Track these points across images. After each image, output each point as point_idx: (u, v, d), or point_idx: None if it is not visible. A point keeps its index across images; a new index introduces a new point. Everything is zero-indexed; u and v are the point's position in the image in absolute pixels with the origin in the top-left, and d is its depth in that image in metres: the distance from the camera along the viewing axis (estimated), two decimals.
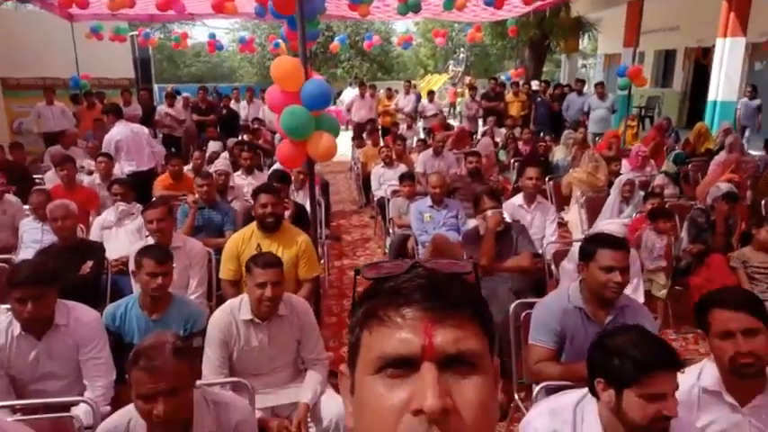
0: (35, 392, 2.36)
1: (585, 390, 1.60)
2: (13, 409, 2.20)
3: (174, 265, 2.74)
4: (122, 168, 5.81)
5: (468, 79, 18.06)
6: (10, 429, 1.62)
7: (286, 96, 3.03)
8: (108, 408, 2.27)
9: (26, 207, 4.55)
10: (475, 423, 0.54)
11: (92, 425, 2.05)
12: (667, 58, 15.82)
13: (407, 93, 11.01)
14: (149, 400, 1.53)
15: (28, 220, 4.27)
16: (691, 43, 13.98)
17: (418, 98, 11.18)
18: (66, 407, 2.15)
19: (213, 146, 7.62)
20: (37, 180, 6.31)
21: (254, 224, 3.32)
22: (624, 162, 6.45)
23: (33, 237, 4.11)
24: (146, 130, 6.42)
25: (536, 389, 2.23)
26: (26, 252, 3.96)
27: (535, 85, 11.76)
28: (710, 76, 10.95)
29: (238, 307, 2.46)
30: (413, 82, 12.80)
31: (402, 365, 0.55)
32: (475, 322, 0.58)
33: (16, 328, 2.29)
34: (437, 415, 0.52)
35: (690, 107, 14.44)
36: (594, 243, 2.30)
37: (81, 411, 2.09)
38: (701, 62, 13.67)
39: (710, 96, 10.93)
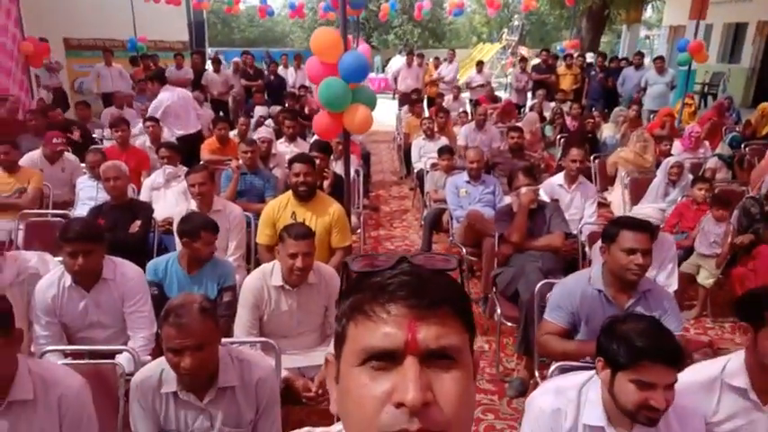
0: (83, 340, 2.58)
1: (593, 372, 1.63)
2: (64, 354, 2.41)
3: None
4: (172, 132, 6.02)
5: (521, 49, 17.53)
6: (56, 370, 1.79)
7: (324, 68, 3.07)
8: (149, 357, 2.45)
9: (83, 165, 4.82)
10: (454, 415, 0.58)
11: (133, 372, 2.22)
12: (737, 31, 14.83)
13: (450, 62, 10.77)
14: (177, 354, 1.67)
15: (84, 177, 4.53)
16: (764, 16, 13.04)
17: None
18: (111, 355, 2.34)
19: (259, 111, 7.76)
20: (96, 140, 6.65)
21: (290, 192, 3.42)
22: (677, 142, 6.19)
23: (89, 194, 4.37)
24: (190, 94, 6.59)
25: (552, 368, 2.26)
26: (82, 208, 4.22)
27: (590, 57, 11.28)
28: None
29: (270, 273, 2.58)
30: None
31: (386, 359, 0.58)
32: (457, 318, 0.61)
33: (67, 279, 2.49)
34: (418, 408, 0.55)
35: (757, 85, 13.58)
36: (617, 225, 2.30)
37: (124, 359, 2.27)
38: None
39: None
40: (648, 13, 20.54)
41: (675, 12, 16.01)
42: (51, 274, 2.56)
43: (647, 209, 3.20)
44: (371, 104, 3.23)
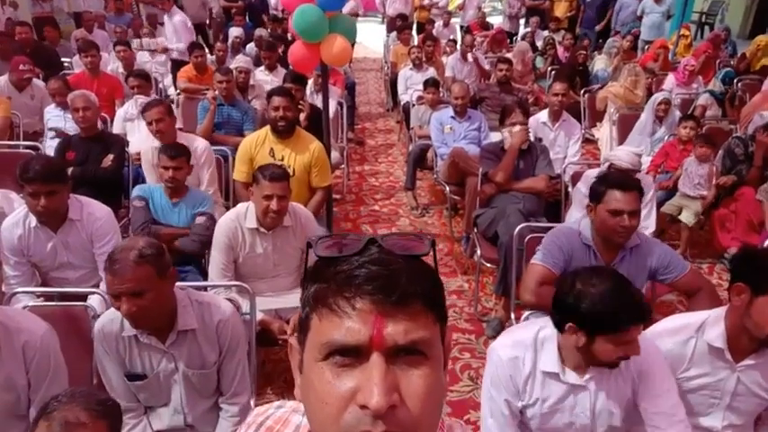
0: (56, 280, 2.54)
1: (546, 320, 1.64)
2: (36, 295, 2.37)
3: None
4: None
5: None
6: (19, 317, 1.75)
7: None
8: None
9: None
10: (421, 413, 0.55)
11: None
12: None
13: None
14: (116, 299, 1.66)
15: (51, 107, 4.33)
16: None
17: None
18: (83, 296, 2.31)
19: (234, 32, 7.31)
20: (65, 64, 6.31)
21: (267, 127, 3.29)
22: (670, 76, 6.04)
23: (56, 124, 4.19)
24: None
25: (525, 313, 2.28)
26: (52, 141, 4.06)
27: None
28: None
29: (244, 215, 2.51)
30: None
31: (350, 354, 0.55)
32: (427, 311, 0.58)
33: (33, 220, 2.41)
34: (383, 412, 0.53)
35: (757, 15, 13.15)
36: (604, 183, 2.21)
37: (95, 301, 2.25)
38: None
39: None
40: None
41: None
42: (16, 214, 2.47)
43: (621, 152, 3.11)
44: (351, 35, 3.05)
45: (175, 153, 2.88)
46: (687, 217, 3.97)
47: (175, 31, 6.62)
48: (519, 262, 2.76)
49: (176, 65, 6.27)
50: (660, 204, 3.96)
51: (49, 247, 2.45)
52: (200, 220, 2.87)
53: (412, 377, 0.56)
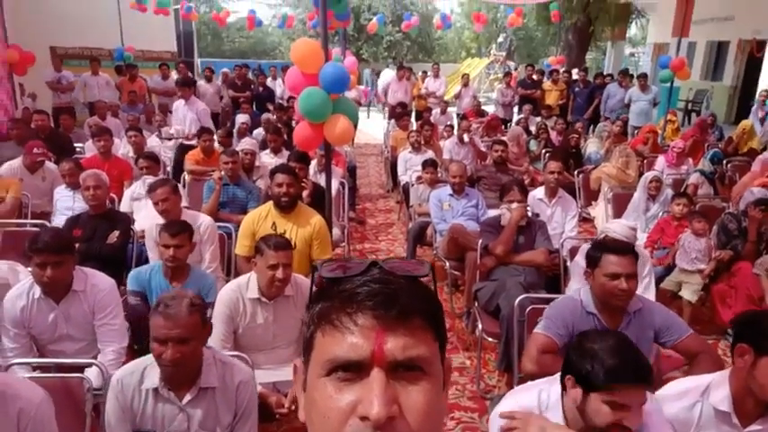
0: (53, 352, 2.52)
1: (546, 380, 1.63)
2: (32, 367, 2.35)
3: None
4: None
5: (508, 64, 17.70)
6: (16, 384, 1.73)
7: (305, 78, 3.06)
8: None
9: None
10: (420, 427, 0.57)
11: (101, 387, 2.17)
12: (719, 49, 15.12)
13: (436, 76, 10.78)
14: (162, 344, 1.71)
15: (61, 187, 4.46)
16: (746, 35, 13.31)
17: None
18: (80, 368, 2.28)
19: (241, 118, 7.67)
20: (78, 149, 6.57)
21: (270, 203, 3.39)
22: (660, 158, 6.26)
23: (65, 204, 4.30)
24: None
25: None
26: (59, 219, 4.15)
27: (575, 73, 11.42)
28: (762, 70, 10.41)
29: (246, 285, 2.54)
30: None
31: (352, 370, 0.57)
32: (426, 328, 0.60)
33: (37, 291, 2.44)
34: (382, 423, 0.54)
35: (740, 103, 13.81)
36: (599, 249, 2.27)
37: (92, 374, 2.22)
38: (755, 55, 13.00)
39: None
40: (633, 31, 20.87)
41: (659, 30, 16.29)
42: (21, 285, 2.51)
43: (616, 225, 3.18)
44: (352, 116, 3.22)
45: (176, 230, 2.79)
46: (688, 294, 3.98)
47: (198, 119, 6.77)
48: (521, 334, 2.74)
49: (182, 149, 6.45)
50: (659, 280, 3.99)
51: (50, 319, 2.46)
52: (211, 313, 2.60)
53: (411, 392, 0.57)
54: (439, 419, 0.61)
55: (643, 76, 9.38)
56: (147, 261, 3.61)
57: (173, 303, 1.76)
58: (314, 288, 0.67)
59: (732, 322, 1.78)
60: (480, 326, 3.27)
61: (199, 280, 2.84)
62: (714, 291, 4.02)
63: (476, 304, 3.48)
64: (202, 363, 1.84)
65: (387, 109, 11.01)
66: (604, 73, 12.31)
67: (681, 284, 4.03)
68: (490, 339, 3.28)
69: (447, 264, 4.17)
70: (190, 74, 10.38)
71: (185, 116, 6.83)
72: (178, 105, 6.94)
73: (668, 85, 8.31)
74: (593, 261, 2.26)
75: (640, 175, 5.60)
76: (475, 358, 3.58)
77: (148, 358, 1.85)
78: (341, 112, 3.13)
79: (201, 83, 9.74)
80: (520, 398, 1.68)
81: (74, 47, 11.25)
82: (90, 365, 2.29)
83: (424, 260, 0.68)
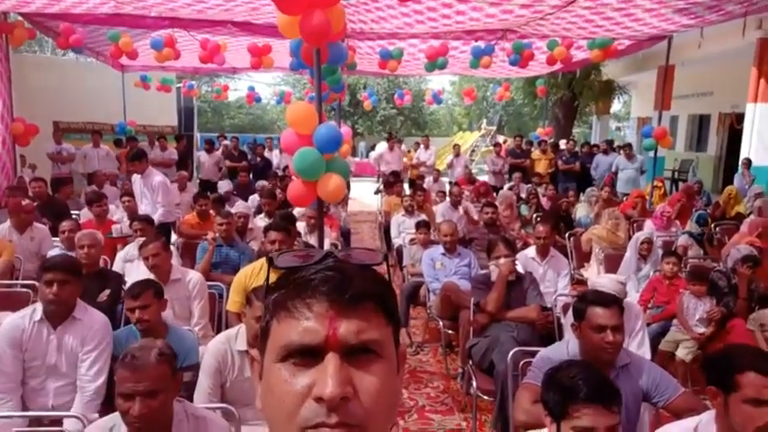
0: (34, 390, 2.50)
1: None
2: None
3: (169, 297, 2.86)
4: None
5: (498, 138, 18.31)
6: None
7: (299, 139, 3.18)
8: (96, 415, 2.36)
9: (55, 239, 4.79)
10: (373, 407, 0.58)
11: None
12: (701, 122, 15.73)
13: (426, 147, 11.43)
14: (128, 399, 1.60)
15: (55, 250, 4.48)
16: (725, 109, 13.90)
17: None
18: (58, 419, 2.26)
19: (223, 185, 8.04)
20: (74, 217, 6.63)
21: (263, 260, 3.41)
22: (648, 222, 6.36)
23: None
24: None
25: None
26: None
27: (562, 144, 11.84)
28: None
29: (235, 337, 2.51)
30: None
31: (307, 355, 0.58)
32: (379, 313, 0.62)
33: (38, 314, 2.48)
34: (336, 402, 0.55)
35: (725, 171, 14.19)
36: (584, 301, 2.27)
37: (70, 425, 2.18)
38: (736, 127, 13.53)
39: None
40: (618, 106, 21.79)
41: (641, 105, 17.02)
42: (23, 310, 2.60)
43: (605, 279, 3.20)
44: (344, 174, 3.32)
45: (138, 291, 2.56)
46: (683, 353, 3.94)
47: (154, 191, 5.69)
48: (515, 390, 2.69)
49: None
50: (655, 338, 3.95)
51: (44, 344, 2.49)
52: (186, 377, 2.44)
53: (365, 374, 0.59)
54: (393, 401, 0.62)
55: (628, 146, 9.72)
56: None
57: (140, 354, 1.65)
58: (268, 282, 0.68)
59: (700, 368, 1.78)
60: (475, 383, 3.21)
61: (178, 341, 2.55)
62: (710, 350, 3.97)
63: (470, 362, 3.43)
64: (173, 418, 1.71)
65: (380, 177, 11.34)
66: (588, 142, 12.75)
67: (677, 344, 3.99)
68: (485, 398, 3.20)
69: (441, 323, 4.14)
70: (173, 146, 10.72)
71: (142, 191, 5.89)
72: (135, 179, 5.93)
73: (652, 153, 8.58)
74: (578, 314, 2.26)
75: (630, 237, 5.67)
76: (471, 419, 3.48)
77: (116, 416, 1.72)
78: (334, 171, 3.23)
79: (202, 154, 10.14)
80: None
81: (77, 122, 11.60)
82: (69, 417, 2.27)
83: (377, 250, 0.72)
